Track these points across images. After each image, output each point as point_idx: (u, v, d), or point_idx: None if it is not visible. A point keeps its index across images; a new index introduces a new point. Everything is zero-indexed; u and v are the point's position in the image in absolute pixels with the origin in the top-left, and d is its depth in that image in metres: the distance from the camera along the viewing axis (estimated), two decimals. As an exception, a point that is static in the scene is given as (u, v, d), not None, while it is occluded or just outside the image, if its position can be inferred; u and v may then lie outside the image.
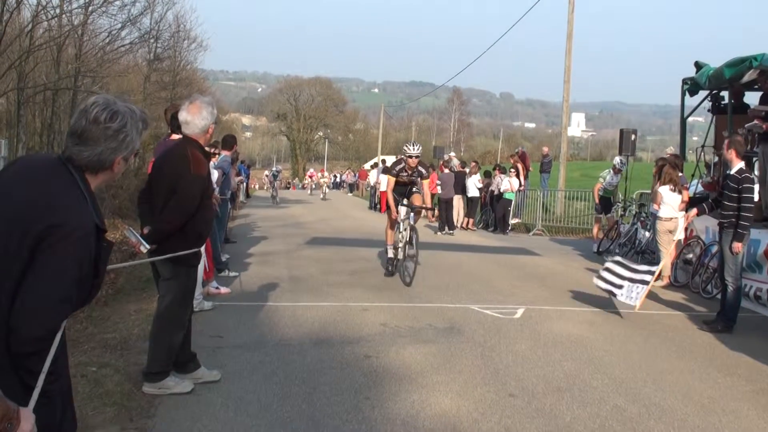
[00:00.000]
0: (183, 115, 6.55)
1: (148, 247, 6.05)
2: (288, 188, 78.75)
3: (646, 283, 10.94)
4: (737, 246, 10.03)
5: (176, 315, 6.54)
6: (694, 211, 10.98)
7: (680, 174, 14.42)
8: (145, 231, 6.33)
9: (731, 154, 10.23)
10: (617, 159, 20.92)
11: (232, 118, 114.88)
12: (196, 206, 6.35)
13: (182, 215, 6.30)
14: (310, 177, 61.56)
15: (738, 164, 10.16)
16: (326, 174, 66.15)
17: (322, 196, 48.97)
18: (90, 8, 23.40)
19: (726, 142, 10.46)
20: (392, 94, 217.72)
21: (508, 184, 25.04)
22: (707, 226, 13.43)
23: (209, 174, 6.73)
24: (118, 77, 29.04)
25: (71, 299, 2.94)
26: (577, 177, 45.01)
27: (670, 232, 13.40)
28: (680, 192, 13.83)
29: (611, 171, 20.18)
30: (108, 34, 26.24)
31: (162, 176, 6.52)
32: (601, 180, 20.39)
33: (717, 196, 10.90)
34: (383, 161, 46.56)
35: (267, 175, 76.08)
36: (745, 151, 10.74)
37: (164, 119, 10.14)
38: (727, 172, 10.39)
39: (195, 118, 6.50)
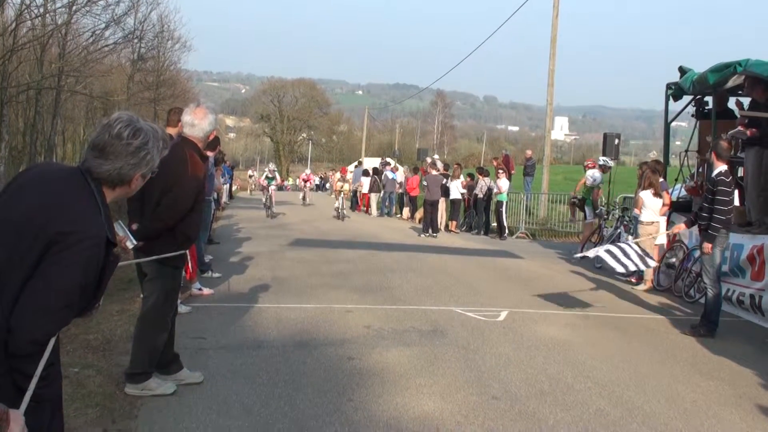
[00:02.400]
0: (188, 117, 6.55)
1: (134, 242, 6.01)
2: (282, 189, 66.50)
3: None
4: (707, 246, 10.09)
5: (160, 316, 6.52)
6: (682, 225, 11.08)
7: (661, 180, 14.47)
8: (134, 227, 6.30)
9: (712, 157, 10.29)
10: (602, 158, 21.09)
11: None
12: (189, 207, 6.34)
13: (175, 214, 6.28)
14: (306, 181, 47.18)
15: (718, 167, 10.20)
16: (308, 174, 52.20)
17: (303, 201, 41.32)
18: (74, 8, 23.26)
19: (711, 146, 10.53)
20: (376, 97, 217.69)
21: (497, 187, 25.02)
22: (691, 230, 13.48)
23: (205, 177, 6.71)
24: (102, 77, 28.96)
25: (73, 306, 2.96)
26: (561, 180, 45.08)
27: (651, 236, 13.50)
28: (660, 196, 13.89)
29: (598, 169, 20.50)
30: (92, 33, 26.16)
31: (158, 175, 6.49)
32: (588, 177, 20.66)
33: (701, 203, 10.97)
34: (360, 163, 46.66)
35: (253, 177, 67.17)
36: (729, 157, 10.79)
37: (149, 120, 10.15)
38: (709, 175, 10.45)
39: (202, 122, 6.52)
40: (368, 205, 36.03)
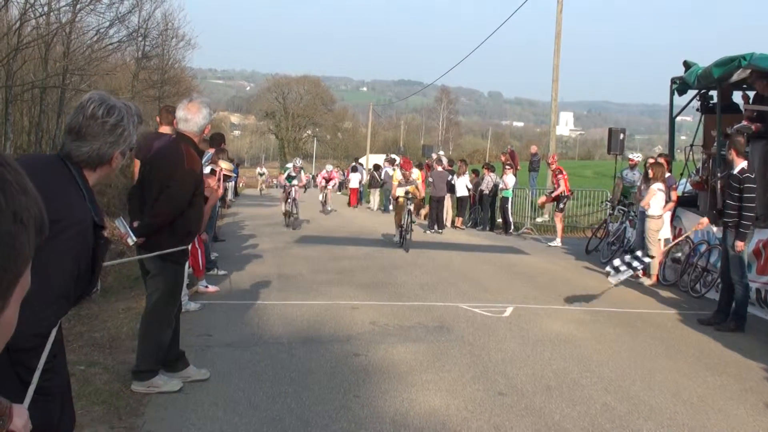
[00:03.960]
0: (181, 113, 6.54)
1: (135, 239, 6.03)
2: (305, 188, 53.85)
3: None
4: (740, 245, 10.10)
5: (163, 312, 6.52)
6: (705, 220, 11.15)
7: (668, 174, 14.46)
8: (135, 224, 6.32)
9: (732, 154, 10.30)
10: (633, 154, 20.94)
11: (221, 117, 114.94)
12: (187, 201, 6.34)
13: (173, 209, 6.28)
14: (327, 180, 34.08)
15: (740, 164, 10.22)
16: (332, 170, 37.09)
17: (323, 206, 31.89)
18: (78, 6, 23.29)
19: (728, 142, 10.52)
20: (381, 93, 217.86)
21: (503, 182, 25.00)
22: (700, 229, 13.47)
23: (202, 171, 6.72)
24: (107, 75, 28.92)
25: (69, 295, 2.95)
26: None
27: (658, 230, 13.52)
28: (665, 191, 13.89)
29: (628, 167, 20.17)
30: (96, 32, 26.16)
31: (155, 171, 6.51)
32: (619, 176, 20.42)
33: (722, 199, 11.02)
34: (356, 159, 46.57)
35: (264, 175, 63.00)
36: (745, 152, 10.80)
37: (156, 118, 10.19)
38: (730, 171, 10.45)
39: (195, 117, 6.50)
40: (355, 201, 37.34)
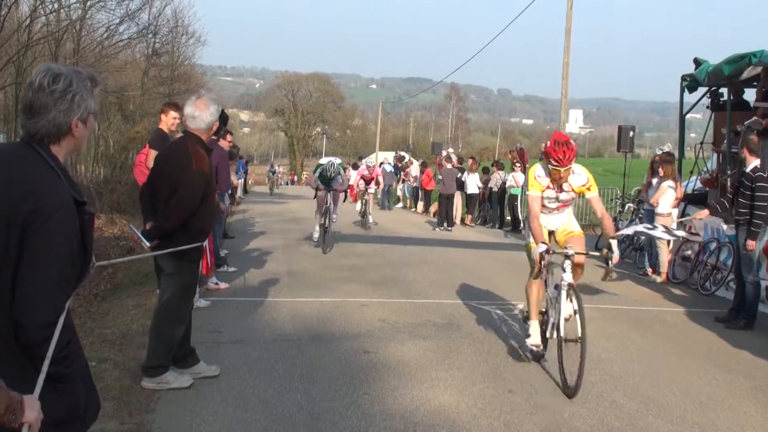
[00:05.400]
0: (189, 110, 6.56)
1: (148, 244, 6.07)
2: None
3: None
4: (751, 244, 10.09)
5: (177, 309, 6.55)
6: (705, 211, 11.14)
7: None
8: (148, 227, 6.34)
9: (745, 152, 10.28)
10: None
11: (230, 114, 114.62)
12: (198, 202, 6.36)
13: (185, 212, 6.31)
14: (368, 180, 24.37)
15: (753, 162, 10.21)
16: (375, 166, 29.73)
17: (363, 220, 23.24)
18: (88, 3, 23.41)
19: (741, 140, 10.50)
20: (390, 90, 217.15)
21: (512, 180, 24.97)
22: (706, 222, 13.43)
23: (211, 169, 6.73)
24: (116, 72, 29.00)
25: (68, 278, 2.94)
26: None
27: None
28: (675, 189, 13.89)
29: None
30: (106, 29, 26.29)
31: (164, 172, 6.53)
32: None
33: (730, 195, 10.98)
34: (360, 157, 46.51)
35: (278, 172, 58.09)
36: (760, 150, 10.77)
37: (160, 115, 10.27)
38: (743, 169, 10.42)
39: (203, 114, 6.51)
40: (355, 198, 36.66)
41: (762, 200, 10.02)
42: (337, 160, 17.62)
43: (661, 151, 15.52)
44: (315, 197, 17.37)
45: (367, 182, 24.04)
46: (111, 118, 30.90)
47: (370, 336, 8.70)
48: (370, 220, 23.01)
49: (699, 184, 15.77)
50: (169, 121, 10.03)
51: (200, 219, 6.46)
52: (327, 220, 16.45)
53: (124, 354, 7.45)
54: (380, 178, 24.81)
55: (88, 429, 3.21)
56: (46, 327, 2.83)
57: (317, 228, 17.08)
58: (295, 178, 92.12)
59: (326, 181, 16.81)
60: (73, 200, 2.99)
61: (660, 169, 14.15)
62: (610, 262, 7.74)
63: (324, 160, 17.56)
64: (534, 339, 7.80)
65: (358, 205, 24.81)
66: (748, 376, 7.81)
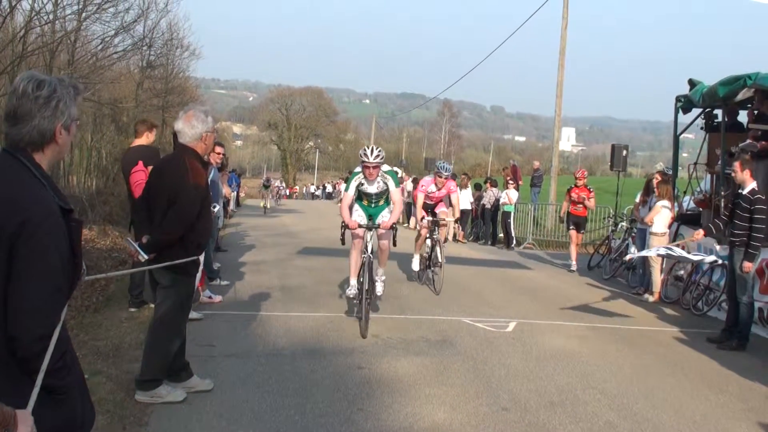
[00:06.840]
0: (179, 125, 6.57)
1: (146, 257, 6.06)
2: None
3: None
4: (747, 266, 10.12)
5: (173, 323, 6.54)
6: (701, 232, 11.10)
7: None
8: (144, 240, 6.33)
9: (745, 174, 10.30)
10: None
11: (224, 127, 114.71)
12: (195, 216, 6.35)
13: (181, 226, 6.30)
14: (434, 198, 14.53)
15: (751, 184, 10.24)
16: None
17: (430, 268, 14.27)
18: (83, 15, 23.35)
19: (737, 163, 10.52)
20: (383, 106, 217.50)
21: (506, 197, 24.98)
22: (699, 243, 13.47)
23: (207, 183, 6.72)
24: (111, 84, 28.95)
25: (61, 288, 2.92)
26: (568, 191, 44.96)
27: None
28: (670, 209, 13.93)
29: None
30: (101, 40, 26.19)
31: (160, 186, 6.52)
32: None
33: (724, 216, 10.98)
34: (350, 171, 46.38)
35: (278, 186, 56.54)
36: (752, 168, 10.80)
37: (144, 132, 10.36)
38: (739, 191, 10.44)
39: (185, 127, 6.51)
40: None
41: (760, 222, 10.05)
42: (386, 168, 10.79)
43: (657, 171, 15.57)
44: (342, 234, 10.56)
45: (434, 205, 14.76)
46: (104, 129, 30.81)
47: (363, 351, 8.69)
48: (439, 272, 13.81)
49: (692, 204, 15.81)
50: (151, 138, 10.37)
51: (197, 233, 6.45)
52: (367, 280, 10.02)
53: (117, 367, 7.42)
54: (454, 196, 14.88)
55: None
56: (42, 339, 2.81)
57: (353, 284, 10.58)
58: (297, 190, 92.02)
59: (368, 207, 11.09)
60: (59, 209, 2.98)
61: (656, 189, 14.20)
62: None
63: (359, 169, 10.71)
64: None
65: (429, 244, 14.54)
66: (740, 398, 7.82)
